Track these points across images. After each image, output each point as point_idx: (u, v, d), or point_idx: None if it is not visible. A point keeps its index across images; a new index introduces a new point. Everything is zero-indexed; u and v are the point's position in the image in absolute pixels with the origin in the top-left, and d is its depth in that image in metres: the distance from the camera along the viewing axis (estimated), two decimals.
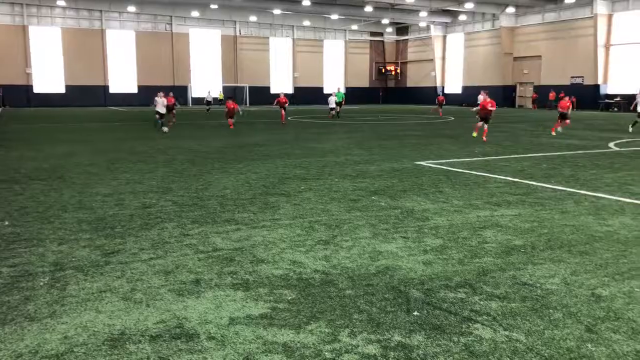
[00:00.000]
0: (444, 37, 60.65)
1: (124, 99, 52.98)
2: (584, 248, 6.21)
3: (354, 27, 61.32)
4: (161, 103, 23.61)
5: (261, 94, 56.92)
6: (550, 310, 4.43)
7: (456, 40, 59.40)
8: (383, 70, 66.17)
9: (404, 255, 5.92)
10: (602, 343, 3.86)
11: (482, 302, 4.60)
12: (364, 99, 64.00)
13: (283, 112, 28.72)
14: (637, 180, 10.76)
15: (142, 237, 6.58)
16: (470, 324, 4.17)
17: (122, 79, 53.72)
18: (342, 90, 38.62)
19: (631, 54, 42.98)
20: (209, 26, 56.43)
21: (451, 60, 60.39)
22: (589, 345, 3.81)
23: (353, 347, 3.79)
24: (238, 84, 56.57)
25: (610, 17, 44.22)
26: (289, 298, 4.69)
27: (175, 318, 4.26)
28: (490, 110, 18.95)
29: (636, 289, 4.92)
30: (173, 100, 27.58)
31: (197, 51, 56.49)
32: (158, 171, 11.94)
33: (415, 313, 4.38)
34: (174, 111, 27.57)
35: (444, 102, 39.00)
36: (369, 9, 50.00)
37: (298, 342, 3.86)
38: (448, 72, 61.00)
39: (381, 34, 65.85)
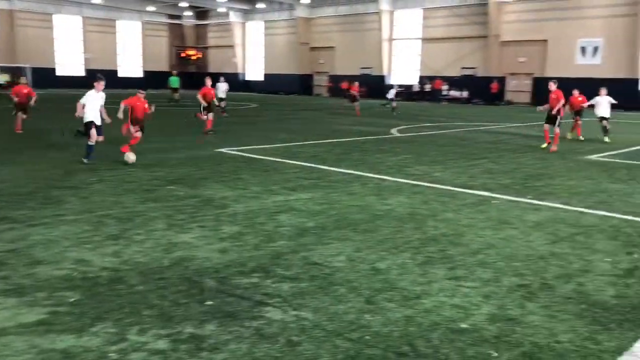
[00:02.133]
0: (244, 24, 61.10)
1: None
2: (367, 226, 6.77)
3: (151, 8, 58.63)
4: None
5: (46, 77, 51.52)
6: (336, 287, 4.75)
7: (256, 27, 60.26)
8: (183, 55, 64.38)
9: (200, 245, 5.85)
10: (379, 312, 4.25)
11: (274, 285, 4.75)
12: (164, 84, 61.73)
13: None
14: (413, 163, 12.05)
15: None
16: (262, 308, 4.28)
17: None
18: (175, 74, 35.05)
19: (409, 48, 47.88)
20: None
21: (252, 48, 61.16)
22: (367, 316, 4.17)
23: (142, 345, 3.64)
24: (17, 65, 50.46)
25: (392, 13, 48.64)
26: (72, 300, 4.33)
27: None
28: (581, 107, 17.06)
29: (408, 260, 5.50)
30: None
31: None
32: None
33: (209, 302, 4.36)
34: None
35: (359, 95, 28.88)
36: None
37: (80, 346, 3.59)
38: (249, 60, 61.70)
39: (180, 17, 63.95)
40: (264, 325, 3.98)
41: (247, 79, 61.20)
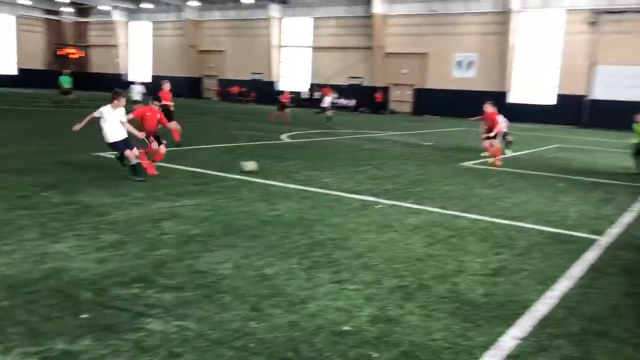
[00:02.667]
0: (127, 23, 58.69)
1: None
2: (255, 232, 6.74)
3: (26, 1, 54.54)
4: None
5: None
6: (221, 295, 4.68)
7: (142, 28, 58.09)
8: (62, 53, 60.50)
9: (76, 255, 5.51)
10: (264, 319, 4.24)
11: (156, 295, 4.59)
12: (41, 83, 57.61)
13: None
14: (302, 168, 12.20)
15: None
16: (142, 319, 4.11)
17: None
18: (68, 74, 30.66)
19: (297, 56, 48.54)
20: None
21: (138, 48, 58.86)
22: (252, 323, 4.15)
23: None
24: None
25: (280, 20, 49.06)
26: None
27: None
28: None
29: (295, 265, 5.55)
30: None
31: None
32: None
33: (84, 315, 4.12)
34: None
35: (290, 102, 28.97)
36: None
37: None
38: (135, 60, 59.31)
39: (58, 13, 60.08)
40: (144, 338, 3.82)
41: (129, 80, 58.67)
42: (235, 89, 50.37)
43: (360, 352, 3.79)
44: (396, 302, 4.71)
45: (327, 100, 28.04)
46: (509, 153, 17.10)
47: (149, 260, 5.47)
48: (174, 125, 14.90)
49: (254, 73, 50.44)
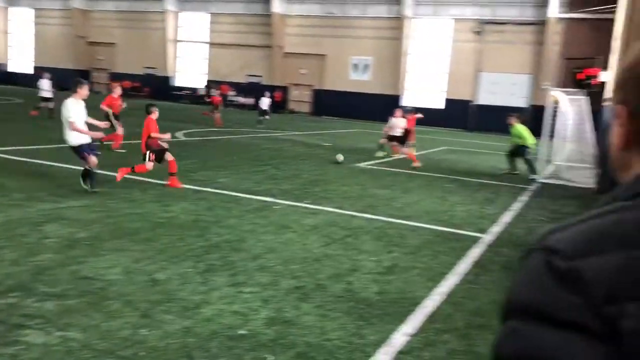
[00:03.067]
0: (7, 8, 54.36)
1: None
2: (147, 235, 6.48)
3: None
4: None
5: None
6: (109, 302, 4.44)
7: (24, 14, 54.01)
8: None
9: None
10: (156, 326, 4.07)
11: (36, 305, 4.26)
12: None
13: None
14: (199, 168, 11.91)
15: None
16: (20, 331, 3.80)
17: None
18: None
19: (195, 51, 47.46)
20: None
21: (19, 36, 54.64)
22: (143, 331, 3.97)
23: None
24: None
25: (177, 14, 47.67)
26: None
27: None
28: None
29: (189, 269, 5.40)
30: None
31: None
32: None
33: None
34: None
35: (222, 103, 26.79)
36: None
37: None
38: (16, 49, 55.03)
39: None
40: (21, 351, 3.53)
41: (9, 70, 54.51)
42: (126, 84, 48.19)
43: (256, 356, 3.75)
44: (292, 304, 4.72)
45: (265, 102, 26.96)
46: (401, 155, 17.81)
47: (28, 267, 5.08)
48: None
49: (147, 67, 48.60)
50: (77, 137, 8.54)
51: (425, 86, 40.12)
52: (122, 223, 6.89)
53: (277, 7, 42.37)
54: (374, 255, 6.38)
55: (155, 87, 45.93)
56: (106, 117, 13.54)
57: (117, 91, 14.97)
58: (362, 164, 14.91)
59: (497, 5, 37.29)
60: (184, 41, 47.81)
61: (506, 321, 0.84)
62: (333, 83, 42.09)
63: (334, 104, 41.56)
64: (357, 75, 41.76)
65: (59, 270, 5.07)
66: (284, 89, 44.00)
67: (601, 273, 0.78)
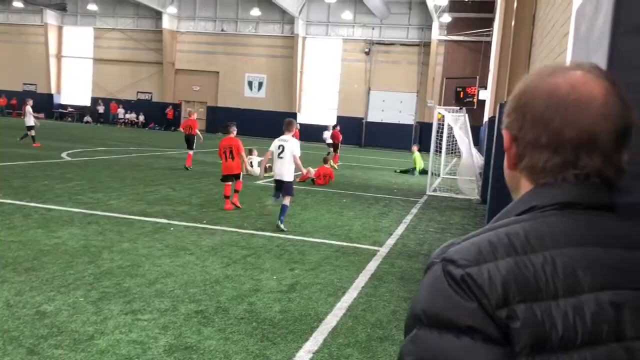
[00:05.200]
0: None
1: None
2: (31, 264, 6.02)
3: None
4: None
5: None
6: None
7: None
8: None
9: None
10: None
11: None
12: None
13: None
14: (87, 190, 11.29)
15: None
16: None
17: None
18: None
19: (81, 67, 45.14)
20: None
21: None
22: None
23: None
24: None
25: (60, 29, 45.17)
26: None
27: None
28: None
29: (80, 298, 5.08)
30: None
31: None
32: None
33: None
34: None
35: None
36: None
37: None
38: None
39: None
40: None
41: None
42: (2, 101, 44.76)
43: None
44: (193, 328, 4.58)
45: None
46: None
47: None
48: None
49: (26, 84, 45.48)
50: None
51: (319, 104, 40.92)
52: (2, 252, 6.35)
53: (167, 23, 41.48)
54: (275, 273, 6.37)
55: (37, 105, 43.02)
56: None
57: (194, 115, 16.85)
58: (260, 182, 14.88)
59: (384, 27, 39.04)
60: (68, 57, 45.32)
61: (410, 330, 0.89)
62: (228, 100, 41.78)
63: (229, 121, 41.11)
64: (252, 93, 41.78)
65: None
66: (177, 106, 42.98)
67: (493, 277, 0.85)
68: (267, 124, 40.07)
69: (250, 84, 41.73)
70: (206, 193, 12.17)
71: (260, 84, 41.57)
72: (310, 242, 8.15)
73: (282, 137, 8.99)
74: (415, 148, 20.54)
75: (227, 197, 10.43)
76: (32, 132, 19.97)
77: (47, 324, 4.46)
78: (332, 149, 22.33)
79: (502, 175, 1.12)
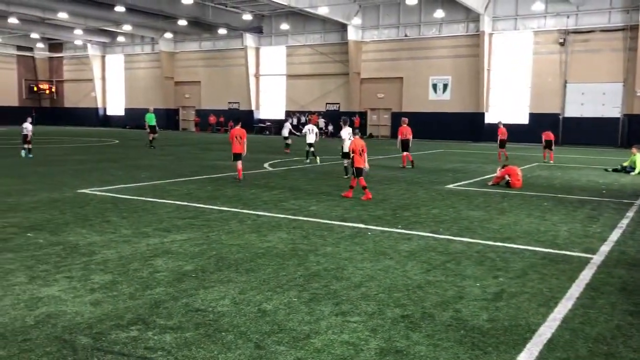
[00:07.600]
0: (103, 57, 58.56)
1: None
2: (249, 265, 6.64)
3: None
4: None
5: None
6: (223, 333, 4.56)
7: (116, 61, 57.97)
8: (35, 89, 59.98)
9: (69, 298, 5.34)
10: (270, 357, 4.13)
11: (156, 337, 4.45)
12: (15, 120, 56.87)
13: None
14: (289, 197, 12.13)
15: None
16: None
17: None
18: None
19: (276, 84, 48.79)
20: None
21: (112, 81, 58.66)
22: None
23: None
24: None
25: (258, 50, 49.36)
26: None
27: None
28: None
29: (294, 299, 5.46)
30: None
31: None
32: None
33: None
34: None
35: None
36: (14, 20, 44.68)
37: None
38: (110, 93, 59.06)
39: (31, 49, 59.72)
40: None
41: (108, 113, 58.64)
42: (212, 119, 50.29)
43: None
44: (402, 333, 4.64)
45: (286, 128, 27.65)
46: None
47: (144, 300, 5.33)
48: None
49: (230, 102, 50.49)
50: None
51: (508, 101, 38.90)
52: (224, 255, 7.11)
53: (352, 34, 42.89)
54: (478, 280, 6.18)
55: (240, 121, 47.53)
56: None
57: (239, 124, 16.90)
58: (450, 186, 14.60)
59: (581, 14, 35.81)
60: (265, 75, 49.31)
61: None
62: (412, 105, 41.77)
63: (414, 126, 40.94)
64: (436, 96, 41.25)
65: (172, 303, 5.28)
66: (363, 115, 44.17)
67: None
68: (453, 126, 39.29)
69: (434, 86, 41.21)
70: (398, 198, 12.28)
71: (445, 86, 40.84)
72: (512, 248, 7.76)
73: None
74: (635, 150, 19.10)
75: (364, 188, 12.06)
76: (289, 141, 26.33)
77: (268, 321, 4.86)
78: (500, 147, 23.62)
79: None
